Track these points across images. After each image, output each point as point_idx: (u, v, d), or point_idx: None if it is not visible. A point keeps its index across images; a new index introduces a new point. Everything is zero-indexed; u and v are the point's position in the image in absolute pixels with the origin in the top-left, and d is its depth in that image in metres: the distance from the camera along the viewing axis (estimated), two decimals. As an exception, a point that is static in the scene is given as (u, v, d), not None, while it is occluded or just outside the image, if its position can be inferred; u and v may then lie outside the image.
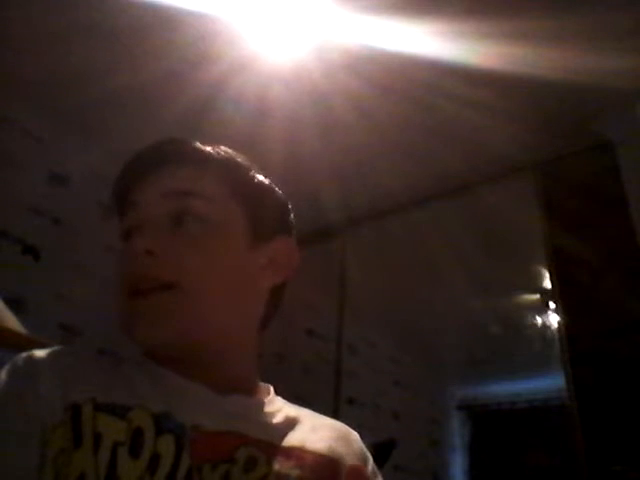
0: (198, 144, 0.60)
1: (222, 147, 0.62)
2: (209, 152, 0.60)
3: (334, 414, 2.50)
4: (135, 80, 1.94)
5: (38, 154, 2.22)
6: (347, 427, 0.63)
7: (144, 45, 1.85)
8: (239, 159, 0.62)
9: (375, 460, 0.62)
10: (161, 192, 0.56)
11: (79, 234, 2.26)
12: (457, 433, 3.60)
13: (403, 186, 2.39)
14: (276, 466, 0.50)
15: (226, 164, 0.60)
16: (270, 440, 0.52)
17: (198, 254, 0.53)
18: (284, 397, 0.62)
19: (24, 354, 0.51)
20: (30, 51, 1.93)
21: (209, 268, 0.54)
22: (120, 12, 1.75)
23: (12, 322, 1.20)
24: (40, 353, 0.51)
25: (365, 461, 0.60)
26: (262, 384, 0.62)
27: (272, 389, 0.61)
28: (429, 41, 1.77)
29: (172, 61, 1.89)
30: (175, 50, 1.86)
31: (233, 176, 0.59)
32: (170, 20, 1.76)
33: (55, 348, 0.53)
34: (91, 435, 0.45)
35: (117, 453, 0.45)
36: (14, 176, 2.11)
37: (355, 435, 0.62)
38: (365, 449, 0.62)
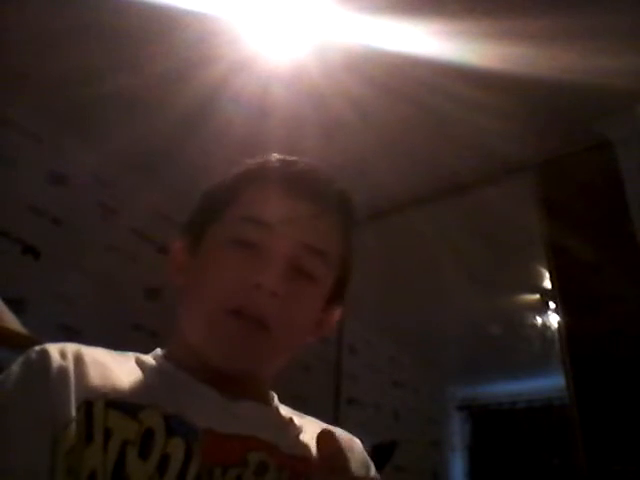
0: (345, 195, 0.65)
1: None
2: (350, 212, 0.64)
3: (334, 414, 2.50)
4: (135, 80, 1.94)
5: (38, 154, 2.22)
6: (349, 434, 0.63)
7: (144, 45, 1.85)
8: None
9: (376, 462, 0.62)
10: (303, 242, 0.56)
11: (79, 234, 2.26)
12: (457, 433, 3.60)
13: (403, 186, 2.39)
14: (286, 472, 0.50)
15: (350, 231, 0.64)
16: (279, 446, 0.52)
17: (299, 311, 0.57)
18: (284, 397, 0.62)
19: (38, 348, 0.50)
20: (30, 51, 1.93)
21: (300, 324, 0.58)
22: (120, 12, 1.74)
23: (12, 322, 1.20)
24: (53, 348, 0.50)
25: (367, 468, 0.60)
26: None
27: (276, 397, 0.62)
28: (429, 41, 1.77)
29: (172, 61, 1.89)
30: (175, 50, 1.86)
31: (349, 245, 0.64)
32: (170, 20, 1.76)
33: (70, 343, 0.52)
34: (102, 431, 0.45)
35: (126, 452, 0.45)
36: (14, 176, 2.11)
37: (357, 442, 0.63)
38: (367, 456, 0.62)
